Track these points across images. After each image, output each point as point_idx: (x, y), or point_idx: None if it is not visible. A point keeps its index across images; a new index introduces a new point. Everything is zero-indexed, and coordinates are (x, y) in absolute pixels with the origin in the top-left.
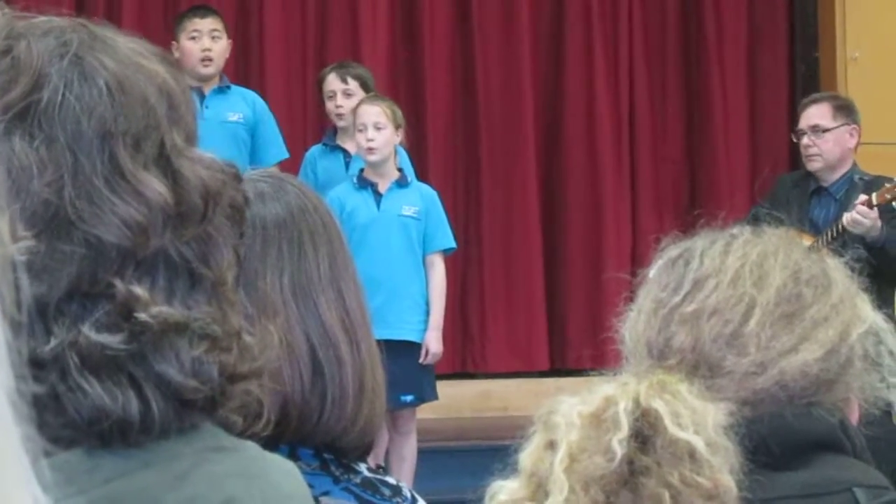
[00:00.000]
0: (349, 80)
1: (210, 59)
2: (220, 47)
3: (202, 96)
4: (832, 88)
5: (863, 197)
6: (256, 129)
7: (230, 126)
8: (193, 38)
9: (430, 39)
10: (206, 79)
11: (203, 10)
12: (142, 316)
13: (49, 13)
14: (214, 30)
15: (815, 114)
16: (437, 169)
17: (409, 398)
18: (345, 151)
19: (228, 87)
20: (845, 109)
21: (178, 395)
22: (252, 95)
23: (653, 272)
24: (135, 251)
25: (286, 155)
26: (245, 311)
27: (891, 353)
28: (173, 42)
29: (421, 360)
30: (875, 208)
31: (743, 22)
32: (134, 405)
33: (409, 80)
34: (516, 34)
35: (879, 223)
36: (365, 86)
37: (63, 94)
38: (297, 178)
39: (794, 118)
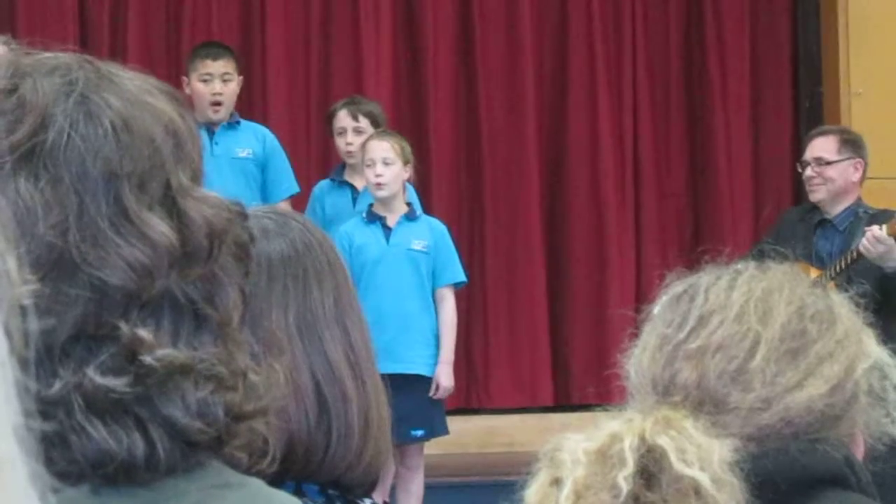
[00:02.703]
0: (360, 117)
1: (219, 104)
2: (231, 90)
3: (212, 133)
4: (836, 123)
5: (874, 227)
6: (267, 164)
7: (240, 162)
8: (205, 80)
9: (434, 75)
10: (214, 122)
11: (216, 50)
12: (147, 359)
13: (54, 48)
14: (226, 73)
15: (821, 146)
16: (440, 205)
17: (419, 433)
18: (353, 187)
19: (238, 123)
20: (852, 143)
21: (183, 436)
22: (262, 131)
23: (657, 308)
24: (140, 293)
25: (297, 189)
26: (251, 350)
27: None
28: (184, 78)
29: (431, 395)
30: (891, 238)
31: (746, 57)
32: (139, 447)
33: (413, 116)
34: (520, 70)
35: None
36: (376, 123)
37: (68, 135)
38: (302, 215)
39: (797, 153)
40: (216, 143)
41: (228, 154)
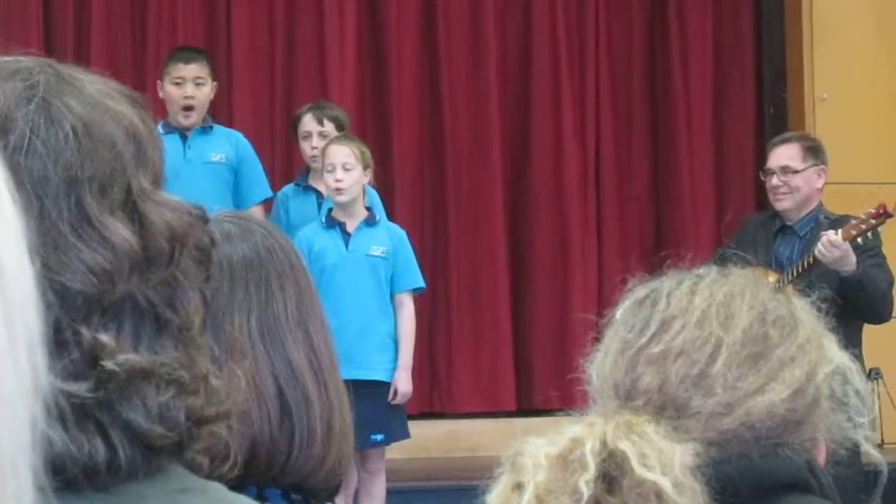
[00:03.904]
0: (325, 121)
1: (191, 108)
2: (204, 94)
3: (185, 137)
4: (800, 129)
5: (829, 232)
6: (240, 168)
7: (213, 166)
8: (177, 83)
9: (398, 80)
10: (187, 127)
11: (189, 54)
12: (108, 364)
13: (16, 52)
14: (198, 77)
15: (785, 154)
16: (404, 208)
17: (379, 437)
18: (318, 192)
19: (211, 128)
20: (814, 150)
21: (145, 441)
22: (236, 135)
23: (619, 313)
24: (101, 298)
25: (270, 194)
26: (212, 354)
27: (857, 392)
28: (158, 81)
29: (390, 400)
30: (846, 242)
31: (709, 62)
32: (100, 452)
33: (377, 120)
34: (484, 75)
35: (853, 257)
36: (340, 127)
37: (29, 140)
38: (264, 219)
39: (760, 159)
40: (189, 148)
41: (201, 158)
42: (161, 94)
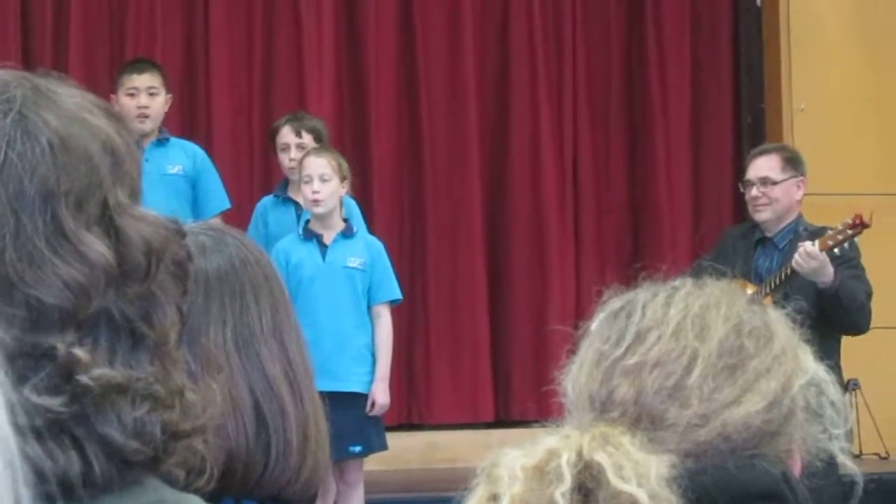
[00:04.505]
0: (303, 133)
1: (146, 116)
2: (158, 104)
3: (141, 149)
4: (778, 140)
5: (807, 243)
6: (198, 180)
7: (170, 178)
8: (131, 94)
9: (376, 92)
10: (143, 134)
11: (141, 65)
12: (83, 379)
13: None
14: (151, 87)
15: (765, 165)
16: (382, 220)
17: (357, 449)
18: (296, 204)
19: (167, 140)
20: (793, 161)
21: (120, 455)
22: (192, 147)
23: (595, 324)
24: (76, 313)
25: (228, 205)
26: (188, 368)
27: (832, 404)
28: (112, 96)
29: (367, 412)
30: (822, 253)
31: (687, 73)
32: (75, 466)
33: (355, 132)
34: (462, 86)
35: (831, 269)
36: (318, 138)
37: (5, 154)
38: (238, 231)
39: (739, 170)
40: (147, 160)
41: (159, 170)
42: (116, 108)
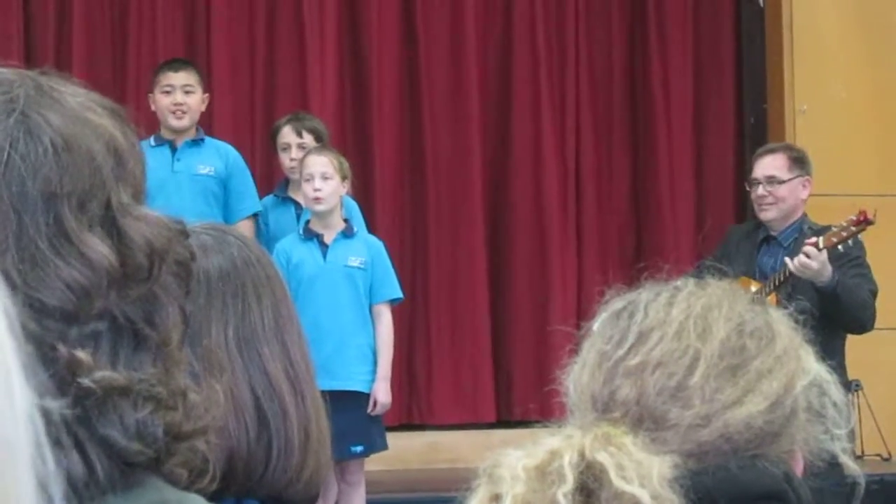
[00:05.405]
0: (304, 133)
1: (183, 112)
2: (194, 101)
3: (174, 149)
4: (780, 140)
5: (812, 239)
6: (229, 182)
7: (201, 179)
8: (167, 91)
9: (378, 92)
10: (179, 131)
11: (177, 64)
12: (85, 381)
13: None
14: (187, 85)
15: (771, 164)
16: (384, 220)
17: (358, 448)
18: (297, 203)
19: (202, 140)
20: (800, 161)
21: (122, 457)
22: (226, 148)
23: (597, 325)
24: (78, 314)
25: (258, 209)
26: (190, 369)
27: (834, 404)
28: (149, 95)
29: (369, 411)
30: (824, 251)
31: (690, 74)
32: (78, 468)
33: (357, 132)
34: (464, 87)
35: (829, 269)
36: (319, 139)
37: (8, 154)
38: (240, 231)
39: (741, 170)
40: (178, 160)
41: (189, 171)
42: (153, 107)
